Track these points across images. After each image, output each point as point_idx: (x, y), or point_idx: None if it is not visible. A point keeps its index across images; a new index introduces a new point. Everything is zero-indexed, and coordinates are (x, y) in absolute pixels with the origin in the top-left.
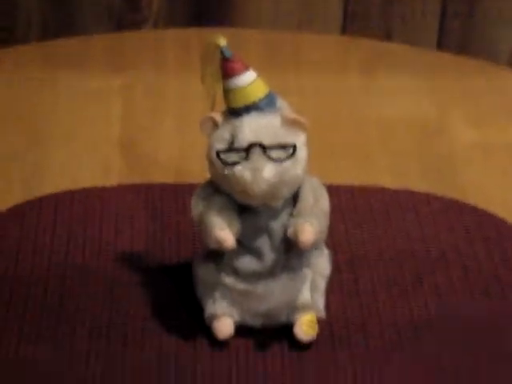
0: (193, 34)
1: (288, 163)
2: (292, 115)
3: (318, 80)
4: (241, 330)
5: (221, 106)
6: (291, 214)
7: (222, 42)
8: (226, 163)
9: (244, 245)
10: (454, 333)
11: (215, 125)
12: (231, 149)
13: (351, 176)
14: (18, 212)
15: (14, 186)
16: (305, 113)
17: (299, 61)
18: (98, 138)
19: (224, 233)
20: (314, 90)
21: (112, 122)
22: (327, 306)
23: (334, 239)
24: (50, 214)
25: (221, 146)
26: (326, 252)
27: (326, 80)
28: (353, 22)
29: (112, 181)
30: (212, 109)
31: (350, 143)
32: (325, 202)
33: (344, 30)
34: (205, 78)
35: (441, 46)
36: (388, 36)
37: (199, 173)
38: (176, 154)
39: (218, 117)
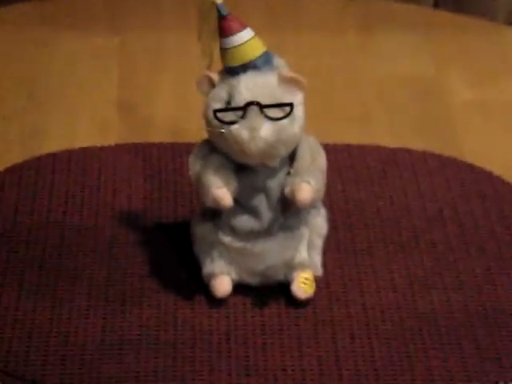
0: None
1: (285, 122)
2: (289, 73)
3: (315, 39)
4: (238, 288)
5: (218, 64)
6: (288, 173)
7: None
8: (222, 122)
9: (241, 204)
10: (448, 291)
11: (212, 84)
12: (228, 108)
13: (349, 135)
14: (16, 171)
15: (12, 146)
16: (302, 72)
17: (297, 20)
18: (96, 98)
19: (221, 191)
20: (312, 49)
21: (110, 81)
22: (324, 264)
23: (330, 198)
24: (48, 174)
25: (218, 104)
26: (322, 211)
27: (324, 39)
28: None
29: (110, 141)
30: (209, 67)
31: (348, 102)
32: (322, 161)
33: None
34: (201, 36)
35: (438, 3)
36: None
37: (197, 132)
38: (173, 113)
39: (215, 76)
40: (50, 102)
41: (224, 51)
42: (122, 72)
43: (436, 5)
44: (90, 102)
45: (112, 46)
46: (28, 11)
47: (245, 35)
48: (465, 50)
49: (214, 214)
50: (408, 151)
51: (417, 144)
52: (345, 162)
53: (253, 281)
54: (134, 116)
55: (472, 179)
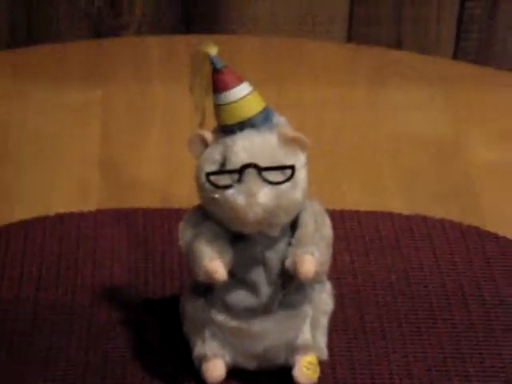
0: (179, 41)
1: (286, 186)
2: (291, 133)
3: (319, 92)
4: (233, 373)
5: (212, 121)
6: (289, 243)
7: (213, 50)
8: (216, 186)
9: (237, 278)
10: (471, 379)
11: (204, 144)
12: (222, 170)
13: (358, 200)
14: None
15: None
16: (305, 130)
17: (299, 71)
18: (75, 156)
19: (214, 264)
20: (316, 103)
21: (90, 139)
22: (330, 346)
23: (337, 270)
24: (20, 244)
25: (211, 167)
26: (328, 286)
27: (329, 92)
28: (359, 27)
29: (90, 205)
30: (201, 125)
31: (356, 164)
32: (327, 230)
33: (350, 36)
34: (193, 90)
35: (457, 54)
36: (398, 43)
37: (187, 197)
38: (162, 175)
39: (208, 135)
40: (23, 161)
41: (218, 108)
42: (104, 128)
43: (455, 56)
44: (69, 161)
45: (93, 99)
46: None
47: (242, 90)
48: (486, 106)
49: (207, 289)
50: (424, 219)
51: (434, 211)
52: (354, 230)
53: (249, 365)
54: (118, 177)
55: (496, 251)
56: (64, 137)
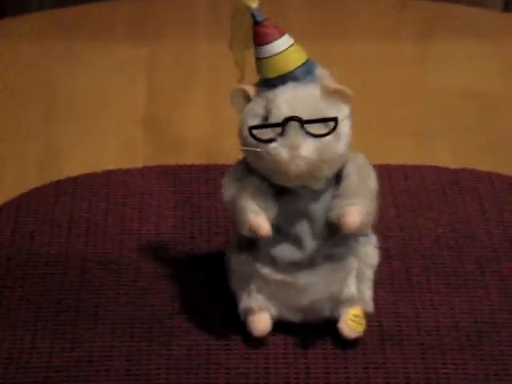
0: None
1: (329, 139)
2: (333, 84)
3: (366, 49)
4: (279, 326)
5: (254, 76)
6: (334, 196)
7: (253, 3)
8: (259, 140)
9: (282, 231)
10: None
11: (247, 98)
12: (265, 124)
13: (405, 155)
14: (33, 197)
15: (28, 169)
16: (352, 85)
17: (345, 27)
18: (121, 115)
19: (259, 219)
20: (363, 60)
21: (136, 97)
22: (376, 299)
23: (383, 225)
24: (68, 200)
25: (254, 121)
26: (373, 239)
27: (376, 48)
28: None
29: (136, 163)
30: (241, 80)
31: (404, 118)
32: (372, 182)
33: None
34: (234, 44)
35: (508, 7)
36: None
37: (232, 153)
38: (207, 131)
39: (250, 89)
40: (71, 120)
41: (260, 61)
42: (150, 86)
43: (506, 8)
44: (115, 119)
45: (139, 58)
46: (44, 21)
47: (283, 43)
48: None
49: (252, 244)
50: (472, 172)
51: (482, 164)
52: (400, 184)
53: (295, 318)
54: (163, 135)
55: None
56: (111, 95)
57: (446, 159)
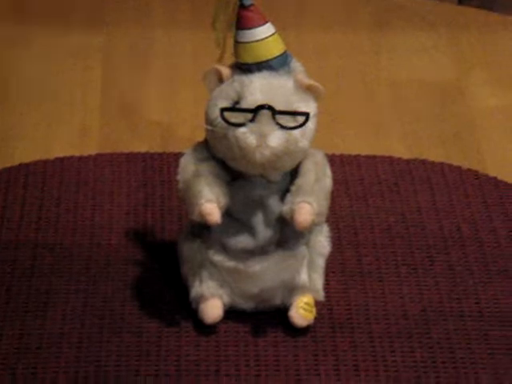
0: None
1: (296, 133)
2: (308, 80)
3: (321, 38)
4: (230, 313)
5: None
6: (289, 189)
7: None
8: (229, 123)
9: (235, 219)
10: (466, 319)
11: (220, 79)
12: (238, 108)
13: (359, 145)
14: None
15: None
16: (308, 74)
17: (301, 16)
18: (75, 101)
19: (210, 206)
20: (318, 49)
21: (91, 83)
22: (327, 288)
23: (336, 214)
24: (20, 187)
25: (224, 103)
26: (325, 228)
27: (331, 38)
28: None
29: (90, 149)
30: (220, 60)
31: (358, 108)
32: (328, 181)
33: None
34: (217, 25)
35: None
36: None
37: (187, 141)
38: (162, 119)
39: (225, 70)
40: (24, 105)
41: (239, 45)
42: (105, 73)
43: (460, 1)
44: (69, 105)
45: (94, 44)
46: None
47: (265, 31)
48: (490, 51)
49: (204, 230)
50: (424, 162)
51: (434, 155)
52: (353, 174)
53: (246, 305)
54: (118, 122)
55: (495, 194)
56: (65, 81)
57: (400, 150)
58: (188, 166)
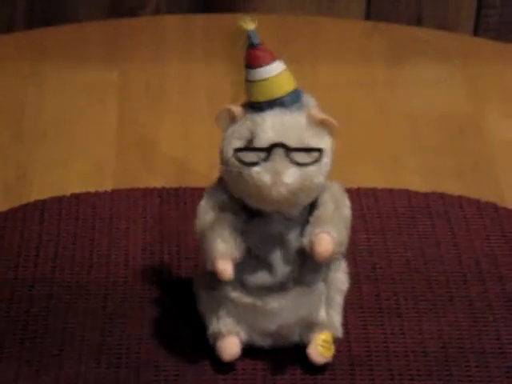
0: (197, 20)
1: (312, 168)
2: (320, 114)
3: (335, 70)
4: (248, 350)
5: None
6: (308, 222)
7: (251, 25)
8: (243, 163)
9: (253, 255)
10: (487, 356)
11: (232, 118)
12: (251, 147)
13: (376, 178)
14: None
15: None
16: (323, 108)
17: (317, 48)
18: (91, 137)
19: (224, 264)
20: (332, 81)
21: (107, 119)
22: (345, 324)
23: (353, 248)
24: (36, 224)
25: (238, 142)
26: (343, 264)
27: (346, 70)
28: (378, 4)
29: (106, 185)
30: (235, 100)
31: (373, 142)
32: (346, 211)
33: (368, 14)
34: (233, 65)
35: (478, 31)
36: (418, 20)
37: (203, 176)
38: (178, 154)
39: (237, 109)
40: (39, 141)
41: (250, 84)
42: (121, 108)
43: (475, 32)
44: (85, 141)
45: (110, 80)
46: (12, 42)
47: (275, 68)
48: (506, 83)
49: None
50: (441, 196)
51: (451, 188)
52: (370, 207)
53: (264, 342)
54: (134, 157)
55: None
56: (81, 117)
57: (417, 182)
58: (206, 214)
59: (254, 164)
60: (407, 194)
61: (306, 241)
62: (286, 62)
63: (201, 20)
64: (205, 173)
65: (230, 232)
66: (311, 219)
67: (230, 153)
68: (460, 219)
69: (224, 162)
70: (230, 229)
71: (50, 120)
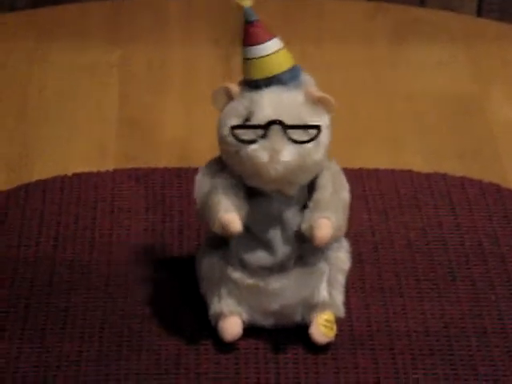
0: (199, 2)
1: (309, 146)
2: (318, 93)
3: (339, 50)
4: (250, 330)
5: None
6: (306, 205)
7: (247, 2)
8: (239, 140)
9: (253, 235)
10: (489, 335)
11: (230, 96)
12: (248, 125)
13: (378, 159)
14: (2, 200)
15: None
16: (325, 89)
17: (319, 29)
18: (93, 117)
19: (230, 215)
20: (336, 61)
21: (109, 98)
22: (347, 304)
23: (355, 228)
24: (38, 203)
25: (235, 120)
26: (345, 244)
27: (349, 50)
28: None
29: (108, 165)
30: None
31: (376, 122)
32: (345, 194)
33: None
34: (222, 42)
35: (481, 11)
36: (422, 1)
37: (205, 156)
38: (179, 134)
39: (234, 88)
40: (42, 121)
41: (247, 61)
42: (123, 89)
43: (479, 13)
44: (87, 121)
45: (112, 60)
46: (17, 22)
47: (272, 46)
48: (510, 64)
49: (223, 247)
50: (444, 177)
51: (454, 169)
52: (372, 188)
53: (266, 322)
54: (136, 138)
55: None
56: (83, 97)
57: (419, 163)
58: (204, 179)
59: (251, 142)
60: (409, 174)
61: (305, 226)
62: (289, 42)
63: (203, 1)
64: (206, 153)
65: (233, 190)
66: (310, 204)
67: (226, 130)
68: (462, 200)
69: (221, 140)
70: (232, 188)
71: (52, 100)
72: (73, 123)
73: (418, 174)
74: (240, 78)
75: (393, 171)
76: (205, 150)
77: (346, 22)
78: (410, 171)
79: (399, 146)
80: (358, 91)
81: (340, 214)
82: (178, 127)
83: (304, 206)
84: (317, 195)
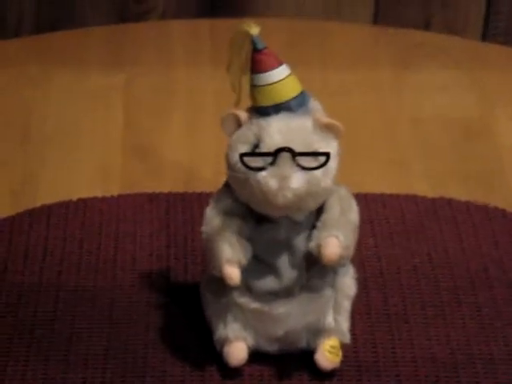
0: (203, 25)
1: (318, 173)
2: (326, 119)
3: (345, 75)
4: (255, 356)
5: (245, 102)
6: (314, 226)
7: (254, 30)
8: (249, 168)
9: (260, 260)
10: (496, 362)
11: (238, 123)
12: (257, 153)
13: (382, 183)
14: (6, 226)
15: (1, 197)
16: (330, 113)
17: (325, 53)
18: (97, 141)
19: (231, 270)
20: (341, 86)
21: (113, 123)
22: (353, 330)
23: (361, 254)
24: (42, 229)
25: (244, 147)
26: (351, 269)
27: (354, 75)
28: (386, 9)
29: (112, 190)
30: (237, 105)
31: (381, 146)
32: (353, 215)
33: (376, 18)
34: (231, 69)
35: (486, 35)
36: (427, 25)
37: (210, 181)
38: (184, 159)
39: (243, 114)
40: (46, 146)
41: (255, 89)
42: (127, 113)
43: (484, 37)
44: (92, 146)
45: (116, 84)
46: (21, 47)
47: (280, 72)
48: None
49: None
50: (449, 202)
51: (459, 193)
52: (378, 213)
53: (271, 348)
54: (140, 162)
55: None
56: (87, 121)
57: (424, 188)
58: (214, 217)
59: (260, 169)
60: (415, 199)
61: (312, 245)
62: (293, 66)
63: (207, 25)
64: (211, 178)
65: (238, 237)
66: (318, 224)
67: (235, 158)
68: (468, 225)
69: (230, 167)
70: (238, 234)
71: (56, 125)
72: (77, 148)
73: (424, 198)
74: (246, 101)
75: (398, 196)
76: (210, 175)
77: (350, 46)
78: (415, 196)
79: (404, 170)
80: (361, 115)
81: (348, 233)
82: (183, 151)
83: (311, 231)
84: (324, 216)
